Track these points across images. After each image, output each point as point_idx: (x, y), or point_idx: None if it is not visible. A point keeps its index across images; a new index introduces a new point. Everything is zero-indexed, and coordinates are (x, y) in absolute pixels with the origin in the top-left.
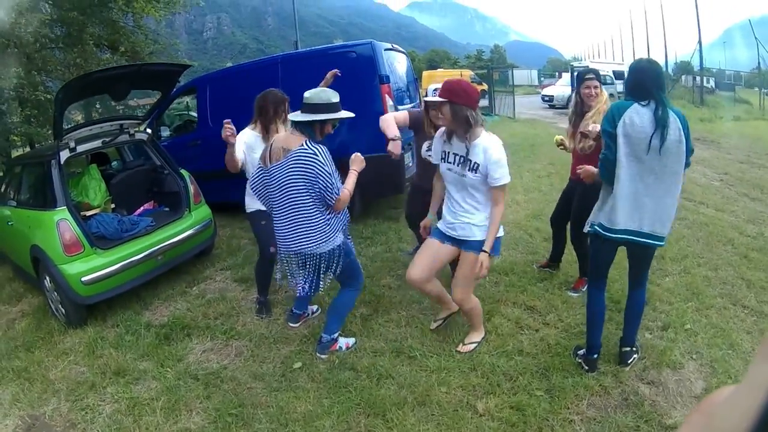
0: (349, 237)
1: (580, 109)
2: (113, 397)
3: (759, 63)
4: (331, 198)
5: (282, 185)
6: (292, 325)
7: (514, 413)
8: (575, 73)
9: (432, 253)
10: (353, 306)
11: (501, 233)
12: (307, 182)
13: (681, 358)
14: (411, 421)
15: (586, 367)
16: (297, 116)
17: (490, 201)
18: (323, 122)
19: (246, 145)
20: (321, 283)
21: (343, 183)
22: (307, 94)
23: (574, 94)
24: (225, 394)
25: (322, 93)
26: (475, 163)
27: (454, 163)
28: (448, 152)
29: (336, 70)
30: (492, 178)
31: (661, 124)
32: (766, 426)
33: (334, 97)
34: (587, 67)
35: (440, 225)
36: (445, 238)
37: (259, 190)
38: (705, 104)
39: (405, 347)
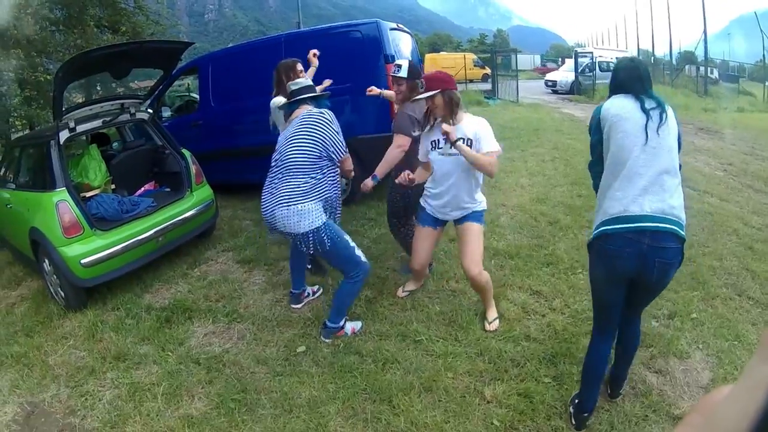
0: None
1: None
2: (113, 382)
3: (764, 55)
4: (339, 153)
5: (289, 139)
6: (294, 306)
7: (522, 400)
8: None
9: (431, 242)
10: (354, 297)
11: (484, 206)
12: (315, 137)
13: (687, 348)
14: (418, 407)
15: (574, 423)
16: (299, 97)
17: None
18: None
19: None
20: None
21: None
22: (293, 85)
23: None
24: (227, 379)
25: (303, 79)
26: (468, 138)
27: (444, 147)
28: (436, 140)
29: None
30: (482, 150)
31: (658, 107)
32: (766, 427)
33: None
34: (591, 53)
35: (431, 212)
36: (437, 223)
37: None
38: (708, 94)
39: (410, 331)
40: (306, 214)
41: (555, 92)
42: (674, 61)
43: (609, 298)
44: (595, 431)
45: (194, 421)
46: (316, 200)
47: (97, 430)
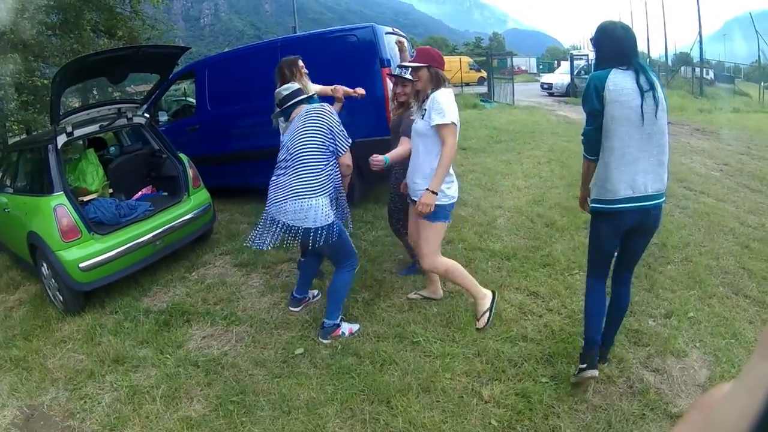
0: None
1: None
2: (112, 385)
3: (759, 56)
4: (345, 143)
5: (294, 137)
6: (293, 309)
7: (520, 400)
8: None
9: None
10: (349, 287)
11: (453, 200)
12: (322, 128)
13: (685, 346)
14: (416, 408)
15: (583, 365)
16: (294, 101)
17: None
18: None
19: None
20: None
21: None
22: (284, 90)
23: None
24: (226, 382)
25: (291, 84)
26: (424, 109)
27: (415, 117)
28: (414, 118)
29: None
30: (429, 118)
31: (651, 89)
32: (766, 426)
33: None
34: (587, 56)
35: None
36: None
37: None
38: (704, 95)
39: (408, 332)
40: (318, 210)
41: (551, 95)
42: (670, 63)
43: (609, 247)
44: (592, 430)
45: (193, 423)
46: (325, 195)
47: None
